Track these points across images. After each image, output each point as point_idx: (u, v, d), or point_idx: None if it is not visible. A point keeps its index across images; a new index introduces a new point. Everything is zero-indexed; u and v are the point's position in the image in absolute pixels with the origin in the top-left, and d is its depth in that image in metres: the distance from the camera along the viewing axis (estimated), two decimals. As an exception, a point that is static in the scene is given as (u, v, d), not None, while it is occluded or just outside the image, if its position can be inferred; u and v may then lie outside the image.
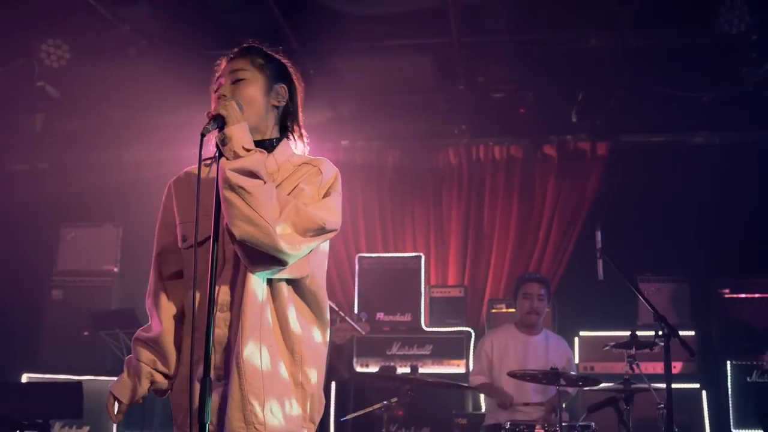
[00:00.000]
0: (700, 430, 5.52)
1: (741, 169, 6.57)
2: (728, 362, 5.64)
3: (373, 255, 6.46)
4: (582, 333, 5.97)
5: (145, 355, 2.44)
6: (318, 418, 2.36)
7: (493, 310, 6.22)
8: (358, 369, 5.90)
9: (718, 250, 6.11)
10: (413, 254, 6.44)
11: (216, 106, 2.28)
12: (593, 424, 4.17)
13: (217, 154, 2.27)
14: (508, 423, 4.27)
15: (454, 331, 6.09)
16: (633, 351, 4.25)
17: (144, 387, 2.43)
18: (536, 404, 4.67)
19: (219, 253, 2.28)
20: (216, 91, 2.44)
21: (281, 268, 2.23)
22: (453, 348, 6.02)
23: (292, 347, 2.29)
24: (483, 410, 5.85)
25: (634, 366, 4.23)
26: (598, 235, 4.27)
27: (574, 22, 5.70)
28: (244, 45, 2.52)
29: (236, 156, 2.21)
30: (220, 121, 2.24)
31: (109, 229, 6.64)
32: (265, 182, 2.19)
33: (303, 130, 2.55)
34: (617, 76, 6.28)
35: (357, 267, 6.28)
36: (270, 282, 2.28)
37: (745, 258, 6.03)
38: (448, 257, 7.14)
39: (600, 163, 7.11)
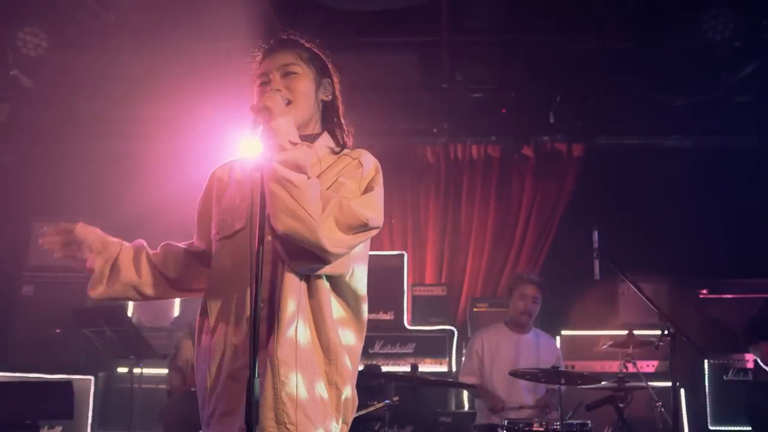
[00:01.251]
0: (678, 428, 5.62)
1: (711, 172, 6.73)
2: (705, 361, 5.77)
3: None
4: (564, 332, 6.03)
5: (148, 255, 2.55)
6: (351, 418, 2.32)
7: (476, 309, 6.23)
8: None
9: (695, 252, 6.24)
10: (396, 252, 6.43)
11: (261, 99, 2.23)
12: (590, 422, 4.21)
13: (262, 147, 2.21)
14: (506, 421, 4.29)
15: (437, 330, 6.10)
16: (630, 350, 4.31)
17: (107, 254, 2.52)
18: (528, 406, 4.71)
19: (252, 248, 2.25)
20: (261, 84, 2.38)
21: (321, 266, 2.19)
22: (436, 347, 6.02)
23: (327, 346, 2.22)
24: (466, 408, 5.88)
25: (630, 364, 4.28)
26: (596, 235, 4.31)
27: (563, 24, 5.76)
28: (284, 37, 2.47)
29: (282, 149, 2.17)
30: (265, 114, 2.20)
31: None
32: (308, 177, 2.15)
33: (344, 123, 2.51)
34: (597, 79, 6.38)
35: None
36: (308, 278, 2.22)
37: (721, 259, 6.16)
38: (426, 255, 7.15)
39: (576, 164, 7.22)
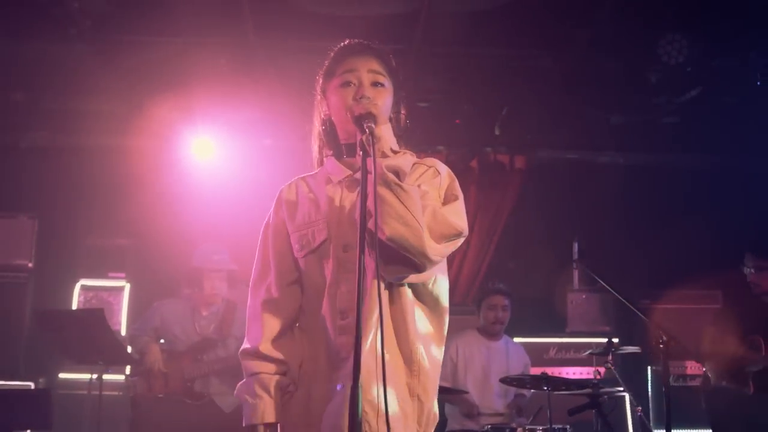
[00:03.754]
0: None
1: (643, 187, 7.09)
2: (648, 368, 6.08)
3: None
4: (516, 339, 6.19)
5: (266, 367, 2.27)
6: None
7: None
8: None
9: (636, 264, 6.54)
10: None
11: (366, 105, 2.20)
12: (569, 426, 4.36)
13: (361, 154, 2.18)
14: (488, 426, 4.38)
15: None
16: (610, 357, 4.50)
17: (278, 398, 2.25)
18: (501, 412, 4.83)
19: (334, 258, 2.23)
20: (345, 83, 2.33)
21: (415, 273, 2.16)
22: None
23: (410, 357, 2.20)
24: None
25: (603, 370, 4.47)
26: (576, 247, 4.47)
27: (522, 41, 5.93)
28: (365, 42, 2.43)
29: (384, 156, 2.16)
30: (371, 120, 2.18)
31: (24, 221, 6.08)
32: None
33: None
34: (546, 95, 6.60)
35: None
36: (390, 286, 2.20)
37: (660, 272, 6.48)
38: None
39: (518, 176, 7.42)
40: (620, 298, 4.36)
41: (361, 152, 2.16)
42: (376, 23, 5.62)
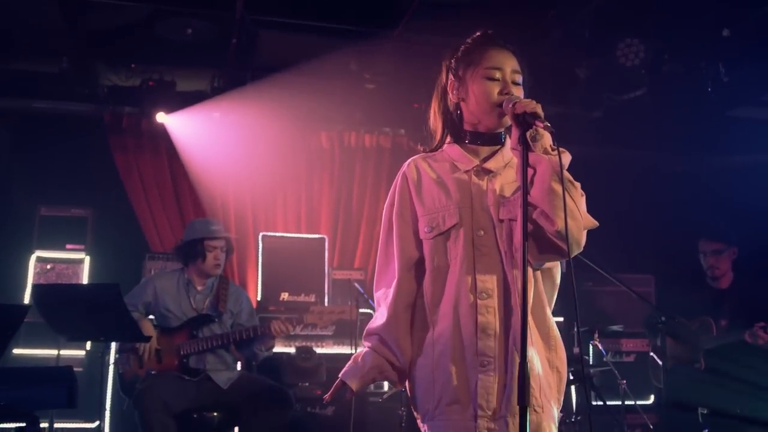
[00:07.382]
0: (566, 403, 6.33)
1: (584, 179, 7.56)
2: (591, 344, 6.55)
3: (277, 234, 6.38)
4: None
5: (378, 346, 2.48)
6: None
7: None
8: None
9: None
10: (317, 236, 6.48)
11: (531, 105, 2.30)
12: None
13: (521, 147, 2.32)
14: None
15: (357, 314, 6.24)
16: (596, 335, 4.88)
17: (370, 377, 2.47)
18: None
19: (466, 241, 2.40)
20: (490, 78, 2.43)
21: (559, 260, 2.40)
22: (355, 330, 6.16)
23: (547, 333, 2.42)
24: (386, 389, 6.12)
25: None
26: (565, 233, 4.76)
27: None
28: (503, 40, 2.54)
29: (546, 152, 2.33)
30: (539, 119, 2.31)
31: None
32: None
33: None
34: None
35: (261, 246, 6.16)
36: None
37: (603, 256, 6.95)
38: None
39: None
40: (622, 285, 4.70)
41: (520, 146, 2.32)
42: (361, 6, 5.68)
